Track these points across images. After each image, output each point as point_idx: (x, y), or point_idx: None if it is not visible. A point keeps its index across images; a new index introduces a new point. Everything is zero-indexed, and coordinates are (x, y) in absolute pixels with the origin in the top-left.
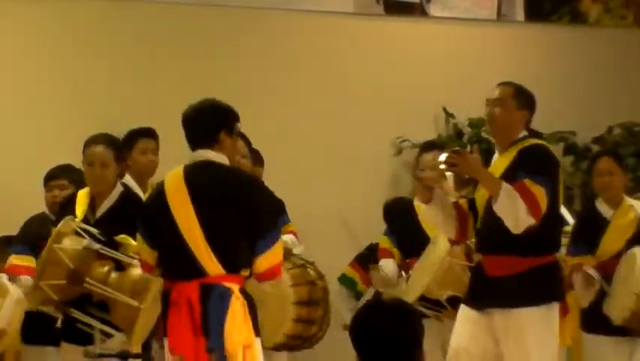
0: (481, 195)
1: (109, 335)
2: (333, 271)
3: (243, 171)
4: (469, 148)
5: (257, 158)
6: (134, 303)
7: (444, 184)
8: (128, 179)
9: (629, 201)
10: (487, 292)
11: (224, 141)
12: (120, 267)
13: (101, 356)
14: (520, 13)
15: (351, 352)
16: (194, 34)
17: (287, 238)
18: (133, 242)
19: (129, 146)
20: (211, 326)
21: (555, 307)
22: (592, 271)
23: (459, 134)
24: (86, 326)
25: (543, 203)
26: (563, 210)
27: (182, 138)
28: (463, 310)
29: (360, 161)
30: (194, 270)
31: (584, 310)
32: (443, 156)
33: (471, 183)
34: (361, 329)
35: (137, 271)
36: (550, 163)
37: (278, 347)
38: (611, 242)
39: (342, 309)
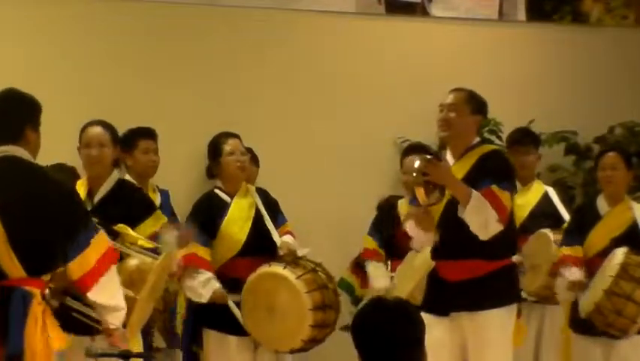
0: (438, 204)
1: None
2: (332, 272)
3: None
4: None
5: (251, 157)
6: (131, 293)
7: (417, 191)
8: (129, 179)
9: (629, 202)
10: (450, 297)
11: (29, 136)
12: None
13: (102, 355)
14: (521, 13)
15: (353, 352)
16: (194, 34)
17: (287, 238)
18: (131, 232)
19: (130, 146)
20: (11, 333)
21: (514, 308)
22: (579, 275)
23: None
24: (82, 316)
25: (509, 208)
26: (562, 210)
27: (183, 137)
28: (425, 318)
29: (361, 161)
30: None
31: (574, 310)
32: (417, 163)
33: (438, 190)
34: (363, 329)
35: (134, 262)
36: (511, 169)
37: (294, 352)
38: (596, 238)
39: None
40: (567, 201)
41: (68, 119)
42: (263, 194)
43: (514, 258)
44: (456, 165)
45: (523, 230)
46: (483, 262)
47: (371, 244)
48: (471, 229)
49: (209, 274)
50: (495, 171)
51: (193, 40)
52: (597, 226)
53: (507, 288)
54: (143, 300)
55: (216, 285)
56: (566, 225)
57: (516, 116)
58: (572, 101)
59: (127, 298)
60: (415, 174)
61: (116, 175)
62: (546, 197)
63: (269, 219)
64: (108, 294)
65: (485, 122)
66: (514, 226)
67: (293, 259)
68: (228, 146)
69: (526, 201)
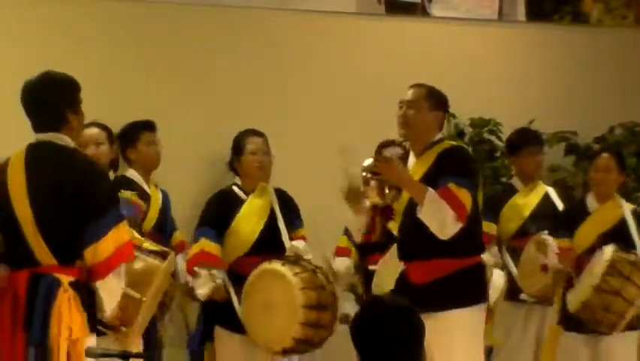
0: (399, 203)
1: (110, 327)
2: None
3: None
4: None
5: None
6: (137, 296)
7: (368, 191)
8: (133, 173)
9: (619, 200)
10: (416, 300)
11: (71, 120)
12: None
13: (103, 355)
14: (521, 13)
15: (352, 351)
16: (193, 34)
17: (298, 243)
18: (136, 234)
19: (133, 139)
20: (35, 320)
21: (482, 308)
22: (549, 240)
23: (460, 134)
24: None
25: (469, 206)
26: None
27: (184, 136)
28: None
29: (362, 161)
30: (26, 258)
31: (563, 308)
32: (367, 162)
33: (395, 189)
34: (362, 329)
35: (139, 264)
36: (471, 165)
37: (287, 351)
38: (584, 234)
39: (347, 309)
40: (567, 202)
41: None
42: (281, 196)
43: (484, 257)
44: (417, 163)
45: (525, 231)
46: (447, 261)
47: (343, 242)
48: (429, 228)
49: (212, 271)
50: (453, 168)
51: (193, 40)
52: (585, 223)
53: (473, 287)
54: (148, 302)
55: (215, 283)
56: None
57: (516, 116)
58: (572, 101)
59: (132, 299)
60: (364, 173)
61: (111, 176)
62: (547, 197)
63: (282, 222)
64: (108, 296)
65: (485, 122)
66: (480, 224)
67: (294, 259)
68: (251, 145)
69: (527, 201)
